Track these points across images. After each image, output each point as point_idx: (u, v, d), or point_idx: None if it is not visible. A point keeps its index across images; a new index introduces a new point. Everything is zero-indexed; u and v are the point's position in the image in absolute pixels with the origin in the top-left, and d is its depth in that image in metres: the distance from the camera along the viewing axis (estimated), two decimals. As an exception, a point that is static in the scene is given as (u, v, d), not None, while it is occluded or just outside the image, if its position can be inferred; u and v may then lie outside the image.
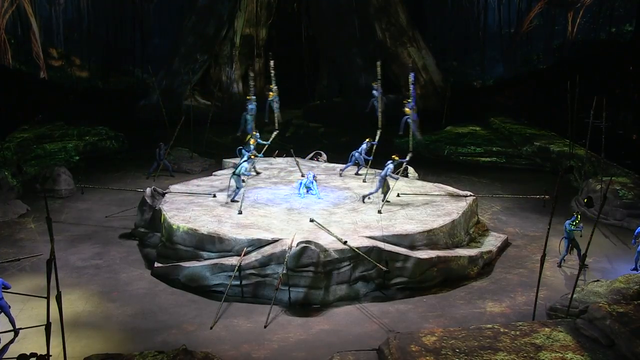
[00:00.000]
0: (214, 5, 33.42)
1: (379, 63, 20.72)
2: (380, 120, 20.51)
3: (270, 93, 21.31)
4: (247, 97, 20.98)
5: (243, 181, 16.77)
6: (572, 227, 14.89)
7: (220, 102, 32.79)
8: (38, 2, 31.45)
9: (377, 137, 20.15)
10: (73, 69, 33.43)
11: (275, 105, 21.52)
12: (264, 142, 20.33)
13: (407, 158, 18.31)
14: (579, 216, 15.14)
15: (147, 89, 32.89)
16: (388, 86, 33.89)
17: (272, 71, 20.51)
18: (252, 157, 17.85)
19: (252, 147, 18.99)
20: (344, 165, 20.63)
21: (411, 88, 18.54)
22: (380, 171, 17.28)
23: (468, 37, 35.02)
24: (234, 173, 16.87)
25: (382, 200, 16.73)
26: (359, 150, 20.10)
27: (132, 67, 35.67)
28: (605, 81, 25.26)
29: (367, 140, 20.19)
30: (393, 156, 17.20)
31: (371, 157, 19.95)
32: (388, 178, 16.74)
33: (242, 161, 17.16)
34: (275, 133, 21.28)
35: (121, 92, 34.10)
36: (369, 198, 17.01)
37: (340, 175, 20.12)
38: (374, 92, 21.36)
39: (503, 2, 33.66)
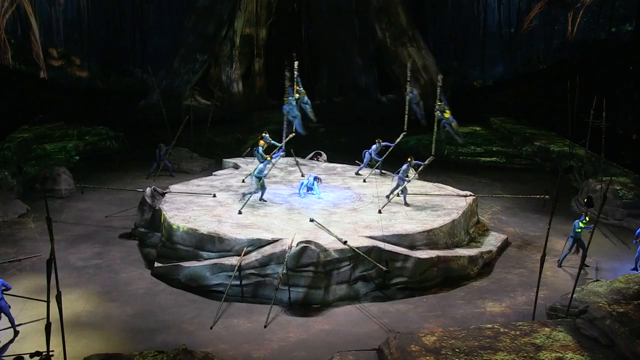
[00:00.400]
0: (214, 5, 33.41)
1: (409, 65, 20.23)
2: (406, 123, 19.83)
3: (297, 94, 21.17)
4: (284, 99, 20.87)
5: (261, 182, 16.79)
6: (583, 225, 14.85)
7: (220, 102, 32.78)
8: (38, 2, 31.46)
9: (397, 139, 19.99)
10: (73, 69, 33.42)
11: (307, 106, 21.32)
12: (276, 144, 20.27)
13: (427, 162, 18.11)
14: (587, 216, 15.13)
15: (147, 89, 32.88)
16: (388, 86, 34.10)
17: (296, 72, 20.51)
18: (268, 158, 17.89)
19: (260, 148, 19.00)
20: (361, 166, 20.62)
21: (438, 90, 18.33)
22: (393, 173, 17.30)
23: (468, 37, 35.02)
24: (255, 175, 17.07)
25: (386, 197, 16.77)
26: (370, 150, 20.13)
27: (132, 67, 35.66)
28: (605, 81, 25.26)
29: (377, 140, 20.18)
30: (409, 158, 17.22)
31: (382, 159, 19.95)
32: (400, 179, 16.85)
33: (260, 164, 17.30)
34: (290, 136, 21.10)
35: (121, 92, 34.10)
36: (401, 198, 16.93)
37: (380, 172, 20.28)
38: (408, 94, 19.98)
39: (503, 2, 33.68)
